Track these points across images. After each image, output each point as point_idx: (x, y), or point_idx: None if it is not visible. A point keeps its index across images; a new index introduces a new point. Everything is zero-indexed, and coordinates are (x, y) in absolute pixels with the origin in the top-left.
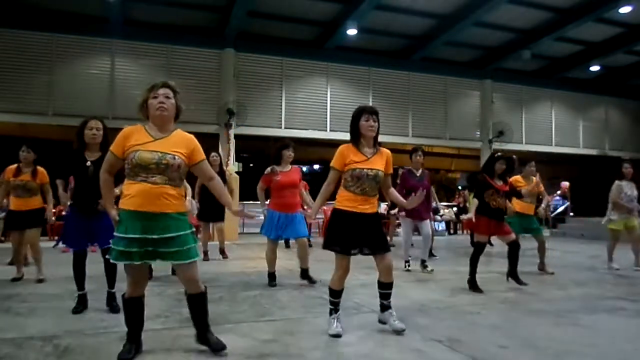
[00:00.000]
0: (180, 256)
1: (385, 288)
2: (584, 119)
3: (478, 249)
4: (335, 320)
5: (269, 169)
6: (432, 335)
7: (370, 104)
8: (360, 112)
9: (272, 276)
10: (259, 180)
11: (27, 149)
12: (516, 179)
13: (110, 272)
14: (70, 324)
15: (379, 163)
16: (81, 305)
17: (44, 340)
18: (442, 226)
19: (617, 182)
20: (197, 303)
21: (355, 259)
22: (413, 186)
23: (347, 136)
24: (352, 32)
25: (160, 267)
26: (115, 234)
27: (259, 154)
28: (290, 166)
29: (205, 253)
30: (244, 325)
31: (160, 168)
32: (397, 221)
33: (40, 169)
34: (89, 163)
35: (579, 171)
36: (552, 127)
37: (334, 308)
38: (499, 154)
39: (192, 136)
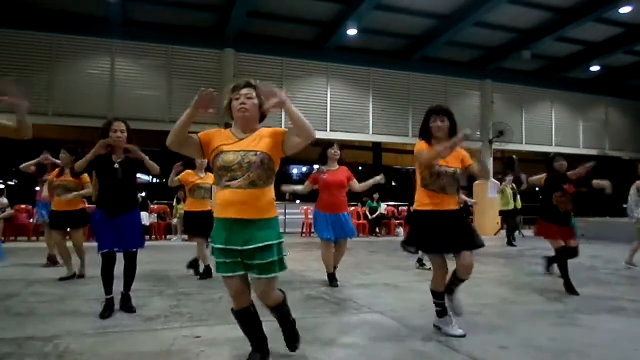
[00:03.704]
0: (262, 270)
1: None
2: (584, 119)
3: (561, 255)
4: (451, 322)
5: (318, 168)
6: (432, 335)
7: (370, 104)
8: (428, 113)
9: (331, 277)
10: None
11: (64, 151)
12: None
13: (129, 275)
14: (70, 324)
15: (454, 161)
16: (109, 310)
17: (44, 340)
18: None
19: (637, 181)
20: (279, 316)
21: (355, 259)
22: None
23: (347, 136)
24: (352, 32)
25: (159, 269)
26: (211, 243)
27: None
28: (337, 165)
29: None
30: None
31: (243, 168)
32: (398, 221)
33: None
34: (116, 165)
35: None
36: (552, 127)
37: (441, 310)
38: (553, 153)
39: (274, 128)
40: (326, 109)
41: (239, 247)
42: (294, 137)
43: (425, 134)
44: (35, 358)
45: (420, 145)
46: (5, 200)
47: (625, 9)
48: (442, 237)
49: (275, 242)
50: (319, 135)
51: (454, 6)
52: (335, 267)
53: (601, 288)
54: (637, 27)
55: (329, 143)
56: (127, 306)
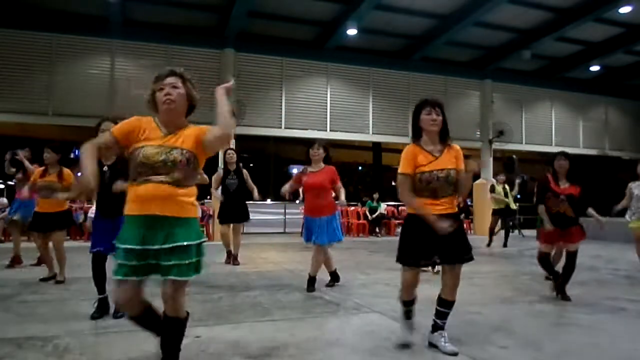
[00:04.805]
0: (178, 272)
1: (444, 306)
2: (584, 119)
3: (540, 260)
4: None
5: (302, 168)
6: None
7: (370, 104)
8: (420, 106)
9: (311, 281)
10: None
11: (48, 150)
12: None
13: None
14: (70, 324)
15: (448, 161)
16: (101, 310)
17: (44, 340)
18: None
19: (630, 184)
20: (173, 329)
21: (355, 259)
22: None
23: (347, 136)
24: (352, 32)
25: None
26: (116, 244)
27: (259, 154)
28: (322, 165)
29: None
30: (244, 325)
31: (168, 166)
32: (398, 221)
33: (66, 170)
34: (105, 168)
35: (579, 171)
36: (552, 127)
37: (405, 315)
38: (560, 151)
39: (199, 126)
40: (326, 109)
41: (157, 247)
42: (211, 135)
43: (417, 128)
44: (35, 358)
45: (406, 157)
46: (5, 200)
47: (625, 9)
48: (429, 246)
49: (194, 242)
50: (319, 135)
51: (454, 6)
52: (313, 277)
53: (601, 288)
54: (637, 27)
55: (311, 143)
56: (116, 310)
